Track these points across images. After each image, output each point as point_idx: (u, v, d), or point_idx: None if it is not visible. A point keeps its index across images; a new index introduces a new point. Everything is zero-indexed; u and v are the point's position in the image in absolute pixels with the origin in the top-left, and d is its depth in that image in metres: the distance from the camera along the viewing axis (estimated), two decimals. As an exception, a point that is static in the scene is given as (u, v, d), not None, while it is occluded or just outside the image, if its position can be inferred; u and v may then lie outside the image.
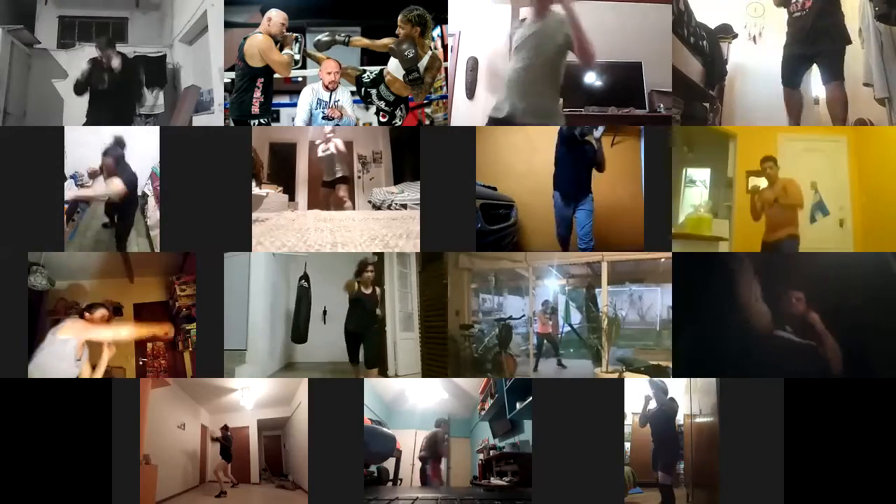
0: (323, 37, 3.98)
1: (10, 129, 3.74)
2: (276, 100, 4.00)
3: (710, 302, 3.27)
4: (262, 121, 3.85)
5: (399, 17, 3.76)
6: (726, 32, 4.17)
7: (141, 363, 3.55)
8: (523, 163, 4.11)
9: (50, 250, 3.35)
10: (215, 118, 3.85)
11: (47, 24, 4.15)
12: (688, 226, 3.90)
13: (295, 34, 3.92)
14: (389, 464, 3.76)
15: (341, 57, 4.01)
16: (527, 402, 3.36)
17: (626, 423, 3.37)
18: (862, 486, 3.25)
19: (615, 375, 3.47)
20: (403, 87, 3.88)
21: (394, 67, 3.87)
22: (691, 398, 3.44)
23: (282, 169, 4.55)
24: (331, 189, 4.53)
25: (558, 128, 3.75)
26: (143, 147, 3.44)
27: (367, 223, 3.90)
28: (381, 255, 3.73)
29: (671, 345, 3.30)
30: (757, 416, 3.25)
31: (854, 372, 3.22)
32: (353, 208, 4.49)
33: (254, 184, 3.53)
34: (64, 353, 3.26)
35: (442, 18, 3.80)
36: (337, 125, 4.00)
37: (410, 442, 3.82)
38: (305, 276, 3.86)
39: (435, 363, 3.69)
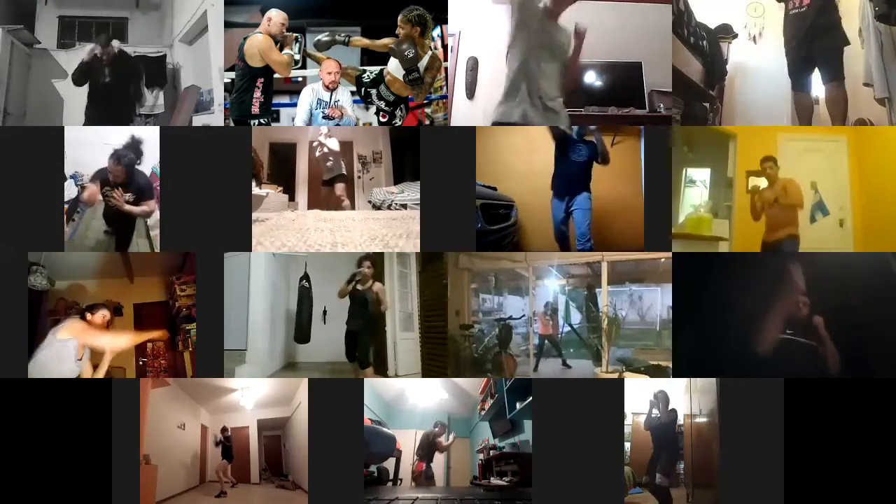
0: (323, 37, 3.98)
1: (10, 129, 3.74)
2: (276, 100, 4.00)
3: (710, 302, 3.27)
4: (262, 121, 3.85)
5: (399, 17, 3.76)
6: (726, 32, 4.17)
7: (141, 363, 3.55)
8: (523, 163, 4.11)
9: (50, 250, 3.35)
10: (215, 118, 3.85)
11: (47, 24, 4.15)
12: (688, 226, 3.90)
13: (295, 34, 3.92)
14: (389, 464, 3.76)
15: (341, 57, 4.01)
16: (527, 402, 3.36)
17: (626, 423, 3.37)
18: (862, 486, 3.25)
19: (615, 375, 3.47)
20: (403, 87, 3.88)
21: (394, 67, 3.87)
22: (691, 398, 3.44)
23: (282, 169, 4.55)
24: (330, 188, 4.54)
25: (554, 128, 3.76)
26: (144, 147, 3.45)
27: (367, 223, 3.90)
28: (381, 255, 3.74)
29: (671, 345, 3.31)
30: (757, 416, 3.25)
31: (854, 372, 3.22)
32: (352, 207, 4.50)
33: (254, 184, 3.53)
34: (64, 353, 3.25)
35: (442, 18, 3.80)
36: (337, 125, 4.00)
37: (410, 442, 3.82)
38: (306, 277, 3.86)
39: (435, 363, 3.69)
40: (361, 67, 4.04)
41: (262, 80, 3.83)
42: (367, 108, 4.04)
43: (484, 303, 3.88)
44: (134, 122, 3.91)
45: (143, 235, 3.48)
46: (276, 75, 3.89)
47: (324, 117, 3.94)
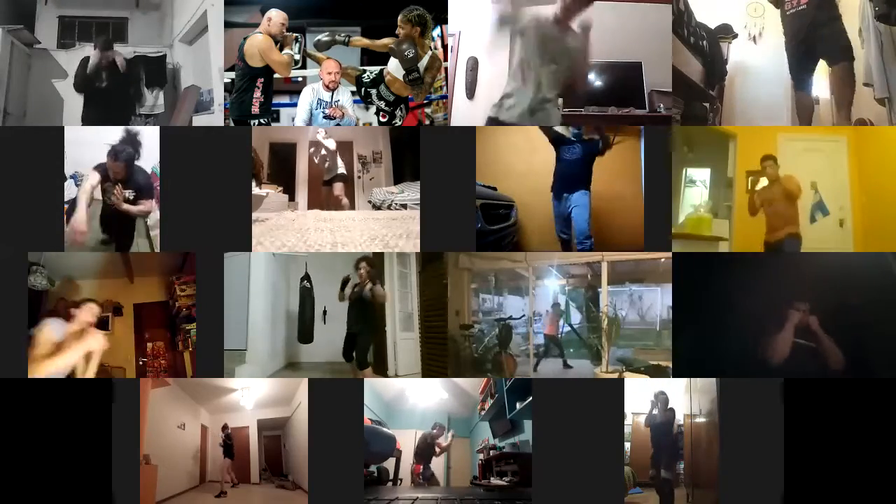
0: (323, 37, 3.98)
1: (10, 129, 3.73)
2: (276, 100, 4.00)
3: (710, 302, 3.27)
4: (262, 121, 3.85)
5: (399, 17, 3.76)
6: (726, 32, 4.17)
7: (141, 363, 3.55)
8: (523, 163, 4.11)
9: (50, 250, 3.35)
10: (215, 118, 3.85)
11: (47, 24, 4.14)
12: (688, 226, 3.90)
13: (295, 34, 3.92)
14: (389, 464, 3.76)
15: (341, 57, 4.01)
16: (527, 402, 3.36)
17: (626, 423, 3.37)
18: (862, 486, 3.25)
19: (615, 375, 3.47)
20: (403, 87, 3.88)
21: (394, 67, 3.87)
22: (691, 398, 3.44)
23: (282, 169, 4.54)
24: (330, 188, 4.54)
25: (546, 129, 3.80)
26: (144, 147, 3.44)
27: (367, 223, 3.90)
28: (381, 255, 3.74)
29: (671, 345, 3.31)
30: (757, 416, 3.25)
31: (854, 372, 3.22)
32: (352, 207, 4.49)
33: (254, 184, 3.53)
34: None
35: (442, 18, 3.80)
36: (338, 125, 4.00)
37: (410, 442, 3.82)
38: (307, 277, 3.86)
39: (435, 363, 3.69)
40: (361, 67, 4.04)
41: (262, 80, 3.83)
42: (367, 108, 4.03)
43: (484, 303, 3.88)
44: (133, 122, 3.91)
45: (143, 235, 3.48)
46: (276, 75, 3.89)
47: (324, 117, 3.94)
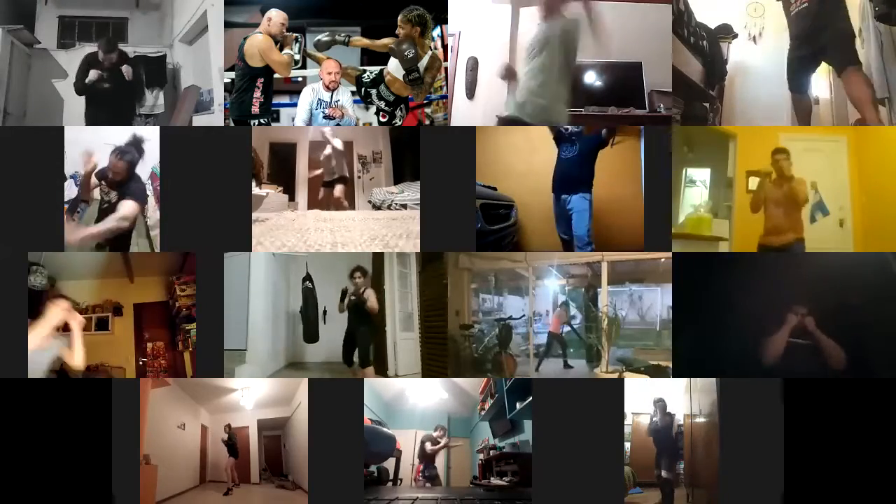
0: (323, 37, 3.98)
1: (10, 129, 3.74)
2: (276, 100, 4.00)
3: (710, 302, 3.27)
4: (262, 121, 3.85)
5: (399, 17, 3.76)
6: (726, 32, 4.17)
7: (141, 363, 3.55)
8: (523, 163, 4.11)
9: (50, 250, 3.35)
10: (215, 118, 3.85)
11: (47, 24, 4.15)
12: (688, 226, 3.90)
13: (295, 34, 3.92)
14: (389, 464, 3.76)
15: (341, 57, 4.01)
16: (527, 402, 3.36)
17: (626, 423, 3.37)
18: (862, 486, 3.25)
19: (615, 375, 3.47)
20: (403, 87, 3.88)
21: (394, 67, 3.87)
22: (691, 398, 3.44)
23: (282, 169, 4.55)
24: (330, 189, 4.54)
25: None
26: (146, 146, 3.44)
27: (367, 223, 3.90)
28: (380, 255, 3.74)
29: (671, 345, 3.31)
30: (757, 416, 3.25)
31: (854, 372, 3.22)
32: (352, 207, 4.49)
33: (254, 184, 3.53)
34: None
35: (442, 18, 3.80)
36: (338, 125, 4.00)
37: (410, 442, 3.82)
38: (309, 278, 3.86)
39: (435, 363, 3.69)
40: (361, 67, 4.04)
41: (262, 80, 3.83)
42: (367, 108, 4.04)
43: (484, 303, 3.88)
44: (134, 122, 3.91)
45: (143, 235, 3.48)
46: (276, 75, 3.89)
47: (324, 117, 3.94)
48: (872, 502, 3.25)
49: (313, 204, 4.58)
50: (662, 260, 3.41)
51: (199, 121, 3.95)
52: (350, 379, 3.59)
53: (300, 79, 4.22)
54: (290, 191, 4.60)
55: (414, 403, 3.76)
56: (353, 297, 3.73)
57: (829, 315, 3.24)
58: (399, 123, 3.97)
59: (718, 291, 3.29)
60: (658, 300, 3.59)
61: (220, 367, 3.36)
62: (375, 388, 3.63)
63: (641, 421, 3.48)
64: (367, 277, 3.73)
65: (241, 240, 3.36)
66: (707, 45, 4.12)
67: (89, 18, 4.23)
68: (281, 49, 3.85)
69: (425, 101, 4.01)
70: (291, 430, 3.79)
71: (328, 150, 4.48)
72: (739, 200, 3.91)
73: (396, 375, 3.80)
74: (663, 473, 3.43)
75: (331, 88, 3.94)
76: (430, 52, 3.85)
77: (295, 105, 4.03)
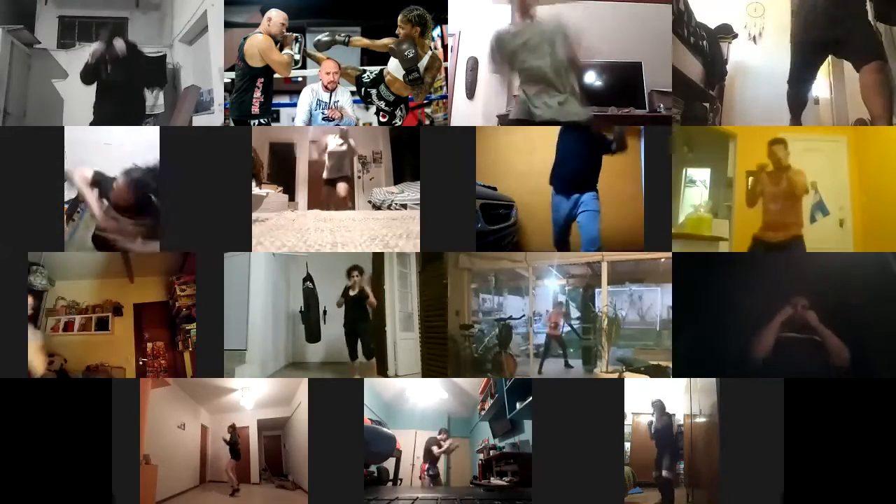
0: (323, 37, 3.98)
1: (10, 129, 3.73)
2: (276, 100, 4.00)
3: (710, 302, 3.27)
4: (262, 121, 3.85)
5: (399, 17, 3.76)
6: (726, 32, 4.16)
7: (141, 363, 3.55)
8: (523, 163, 4.11)
9: (50, 250, 3.35)
10: (215, 118, 3.85)
11: (47, 24, 4.14)
12: (688, 226, 3.90)
13: (295, 34, 3.92)
14: (389, 464, 3.76)
15: (341, 57, 4.01)
16: (527, 402, 3.36)
17: (626, 423, 3.37)
18: (862, 486, 3.24)
19: (615, 375, 3.47)
20: (403, 87, 3.88)
21: (394, 67, 3.87)
22: (691, 398, 3.44)
23: (282, 169, 4.54)
24: (332, 187, 4.53)
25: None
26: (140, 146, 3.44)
27: (367, 223, 3.90)
28: (380, 255, 3.74)
29: (671, 345, 3.31)
30: (757, 416, 3.25)
31: (854, 372, 3.22)
32: (352, 207, 4.49)
33: (254, 184, 3.53)
34: None
35: (442, 18, 3.80)
36: (337, 125, 4.00)
37: (410, 442, 3.82)
38: (309, 277, 3.86)
39: (435, 363, 3.69)
40: (361, 67, 4.04)
41: (262, 80, 3.84)
42: (367, 108, 4.03)
43: (484, 303, 3.88)
44: (145, 122, 3.90)
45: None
46: (276, 75, 3.89)
47: (323, 118, 3.94)
48: (872, 502, 3.25)
49: (313, 204, 4.57)
50: (662, 260, 3.41)
51: (199, 121, 3.95)
52: (350, 379, 3.59)
53: (300, 79, 4.22)
54: (290, 191, 4.60)
55: (414, 403, 3.76)
56: (350, 293, 3.73)
57: (829, 315, 3.24)
58: (399, 123, 3.97)
59: (718, 291, 3.29)
60: (658, 300, 3.59)
61: (220, 367, 3.36)
62: (375, 388, 3.63)
63: (641, 421, 3.48)
64: (363, 276, 3.73)
65: (241, 240, 3.36)
66: (707, 45, 4.12)
67: (89, 18, 4.23)
68: (281, 49, 3.85)
69: (425, 101, 4.01)
70: (291, 430, 3.79)
71: (343, 147, 4.45)
72: (739, 200, 3.91)
73: (396, 375, 3.80)
74: (664, 473, 3.43)
75: (329, 89, 3.94)
76: (430, 52, 3.85)
77: (295, 105, 4.03)
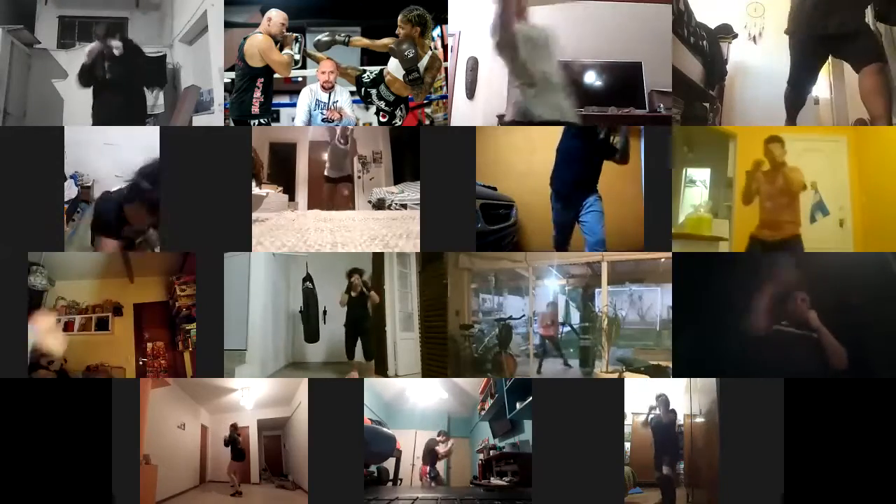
0: (323, 37, 3.98)
1: (10, 129, 3.73)
2: (276, 100, 4.00)
3: (710, 302, 3.27)
4: (262, 121, 3.85)
5: (399, 17, 3.76)
6: (726, 32, 4.16)
7: (141, 363, 3.55)
8: (523, 163, 4.11)
9: (50, 250, 3.35)
10: (215, 118, 3.85)
11: (47, 24, 4.14)
12: (688, 226, 3.90)
13: (295, 34, 3.92)
14: (389, 464, 3.76)
15: (341, 57, 4.01)
16: (527, 402, 3.36)
17: (626, 423, 3.37)
18: (862, 486, 3.25)
19: (615, 375, 3.47)
20: (403, 87, 3.88)
21: (394, 67, 3.87)
22: (691, 398, 3.44)
23: (282, 169, 4.54)
24: (333, 185, 4.53)
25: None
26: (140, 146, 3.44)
27: (367, 223, 3.90)
28: (380, 255, 3.74)
29: (671, 345, 3.31)
30: (757, 416, 3.25)
31: (854, 372, 3.22)
32: (352, 207, 4.50)
33: (254, 184, 3.53)
34: None
35: (442, 18, 3.80)
36: (336, 126, 4.00)
37: (410, 442, 3.82)
38: (309, 278, 3.86)
39: (435, 363, 3.69)
40: (361, 67, 4.04)
41: (262, 80, 3.84)
42: (367, 108, 4.03)
43: (484, 303, 3.88)
44: (146, 122, 3.90)
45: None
46: (276, 75, 3.89)
47: (323, 119, 3.94)
48: (872, 502, 3.25)
49: (313, 204, 4.58)
50: (662, 260, 3.41)
51: (199, 121, 3.95)
52: (350, 379, 3.59)
53: (300, 79, 4.22)
54: (290, 191, 4.60)
55: (414, 403, 3.76)
56: (351, 294, 3.74)
57: (829, 315, 3.24)
58: (399, 123, 3.97)
59: (718, 291, 3.29)
60: (658, 300, 3.59)
61: (220, 367, 3.36)
62: (375, 388, 3.63)
63: (641, 421, 3.48)
64: (363, 279, 3.74)
65: (241, 240, 3.36)
66: (707, 45, 4.12)
67: (89, 18, 4.22)
68: (281, 49, 3.85)
69: (425, 101, 4.01)
70: (291, 430, 3.79)
71: (348, 146, 4.45)
72: (739, 200, 3.91)
73: (396, 375, 3.81)
74: (664, 470, 3.43)
75: (326, 88, 3.93)
76: (430, 52, 3.85)
77: (295, 105, 4.03)
